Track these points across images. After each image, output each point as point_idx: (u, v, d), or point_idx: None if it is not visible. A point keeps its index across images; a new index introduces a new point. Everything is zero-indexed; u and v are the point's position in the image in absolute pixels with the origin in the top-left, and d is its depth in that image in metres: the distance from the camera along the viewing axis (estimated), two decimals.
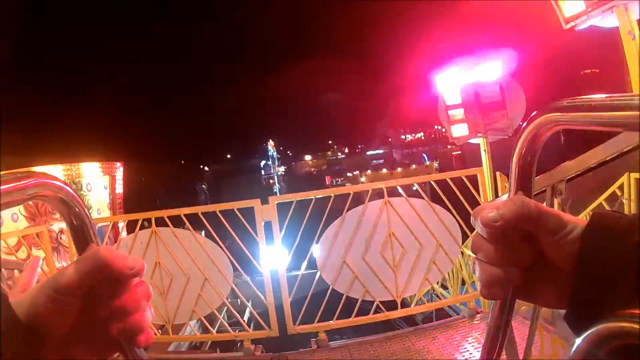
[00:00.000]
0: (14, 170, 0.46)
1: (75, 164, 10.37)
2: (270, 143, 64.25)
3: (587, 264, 0.47)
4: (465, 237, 4.57)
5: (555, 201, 2.38)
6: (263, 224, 4.21)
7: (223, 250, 4.23)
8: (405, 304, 4.33)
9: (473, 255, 0.55)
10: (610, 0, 4.04)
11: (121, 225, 6.18)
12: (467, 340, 3.79)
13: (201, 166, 75.73)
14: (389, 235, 4.16)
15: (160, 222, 4.27)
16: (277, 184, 57.50)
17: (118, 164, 11.55)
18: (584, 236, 0.48)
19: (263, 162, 70.60)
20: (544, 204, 0.52)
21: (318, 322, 4.19)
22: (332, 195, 4.33)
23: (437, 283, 5.92)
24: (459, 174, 4.45)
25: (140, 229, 4.31)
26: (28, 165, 9.78)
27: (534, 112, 0.54)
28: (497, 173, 4.52)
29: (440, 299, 5.29)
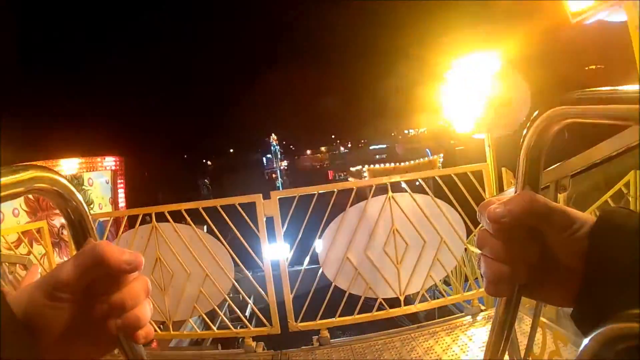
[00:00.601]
0: (11, 165, 0.45)
1: (77, 159, 10.37)
2: (273, 137, 64.21)
3: (595, 262, 0.46)
4: (469, 232, 4.53)
5: (560, 197, 2.36)
6: (265, 219, 4.16)
7: (224, 245, 4.20)
8: (407, 301, 4.29)
9: (477, 251, 0.53)
10: None
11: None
12: (470, 339, 3.76)
13: (204, 160, 75.88)
14: (392, 231, 4.12)
15: (161, 217, 4.24)
16: (279, 179, 57.50)
17: (120, 159, 11.54)
18: (593, 234, 0.48)
19: (266, 157, 70.62)
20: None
21: (320, 319, 4.16)
22: (335, 190, 4.29)
23: (440, 280, 5.90)
24: (464, 169, 4.41)
25: (141, 224, 4.28)
26: (30, 160, 9.78)
27: (542, 106, 0.53)
28: (503, 169, 4.47)
29: (443, 295, 5.26)
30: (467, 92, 5.03)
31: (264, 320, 4.18)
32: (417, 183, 4.40)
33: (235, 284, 4.25)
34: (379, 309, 4.18)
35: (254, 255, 4.23)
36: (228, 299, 4.30)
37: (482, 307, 4.33)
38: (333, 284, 4.17)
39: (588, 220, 0.49)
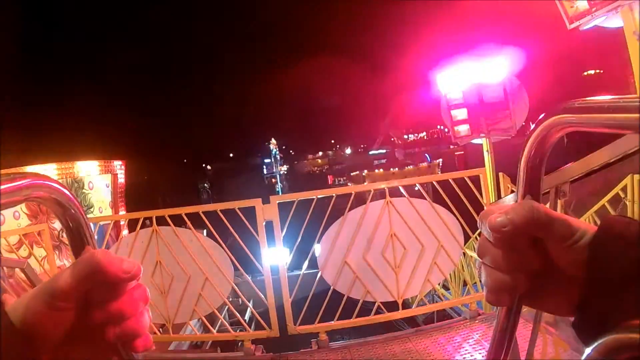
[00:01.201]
0: (9, 171, 0.46)
1: (77, 162, 10.40)
2: (273, 142, 64.37)
3: (596, 272, 0.46)
4: (467, 237, 4.56)
5: (559, 202, 2.36)
6: (264, 223, 4.19)
7: (224, 249, 4.23)
8: (406, 304, 4.32)
9: (476, 257, 0.54)
10: (615, 1, 4.02)
11: (122, 223, 6.19)
12: (468, 342, 3.78)
13: (203, 165, 75.92)
14: (390, 236, 4.15)
15: (162, 221, 4.27)
16: (279, 183, 57.54)
17: (120, 162, 11.57)
18: (593, 243, 0.47)
19: (265, 161, 70.67)
20: (548, 205, 0.51)
21: (319, 322, 4.18)
22: (333, 195, 4.31)
23: (439, 284, 5.92)
24: (461, 174, 4.44)
25: (141, 228, 4.30)
26: (31, 164, 9.83)
27: (542, 114, 0.53)
28: (500, 174, 4.50)
29: (441, 299, 5.28)
30: (465, 97, 5.07)
31: (263, 324, 4.21)
32: (417, 188, 4.43)
33: (235, 287, 4.27)
34: (378, 312, 4.20)
35: (253, 259, 4.25)
36: (227, 302, 4.32)
37: (480, 311, 4.35)
38: (332, 287, 4.19)
39: (589, 229, 0.49)
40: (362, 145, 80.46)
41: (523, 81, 5.23)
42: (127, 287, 0.49)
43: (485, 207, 4.34)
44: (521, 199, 0.54)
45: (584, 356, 0.40)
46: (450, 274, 5.97)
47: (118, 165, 11.38)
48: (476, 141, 5.25)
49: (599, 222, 0.49)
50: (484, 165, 4.58)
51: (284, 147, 75.87)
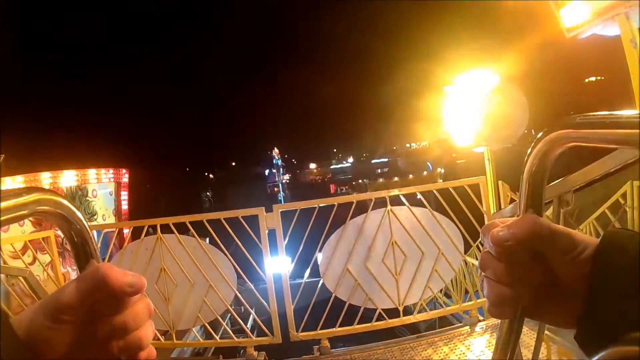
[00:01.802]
0: (15, 187, 0.45)
1: (81, 170, 10.46)
2: (275, 151, 64.31)
3: (598, 285, 0.46)
4: (467, 245, 4.58)
5: (562, 212, 2.35)
6: (267, 232, 4.24)
7: (227, 257, 4.27)
8: (407, 312, 4.34)
9: (477, 263, 0.56)
10: (612, 9, 4.07)
11: (126, 231, 6.22)
12: (468, 348, 3.80)
13: (206, 173, 75.98)
14: (391, 243, 4.19)
15: (165, 229, 4.32)
16: (281, 192, 57.47)
17: (123, 171, 11.64)
18: (596, 256, 0.48)
19: (268, 170, 70.62)
20: (550, 215, 0.54)
21: (320, 329, 4.21)
22: (335, 203, 4.36)
23: (441, 292, 5.92)
24: (461, 182, 4.47)
25: (145, 236, 4.35)
26: (34, 171, 9.89)
27: (544, 129, 0.53)
28: (500, 182, 4.53)
29: (443, 307, 5.29)
30: (467, 106, 5.11)
31: (266, 330, 4.23)
32: (418, 197, 4.46)
33: (238, 294, 4.31)
34: (379, 319, 4.23)
35: (256, 267, 4.29)
36: (230, 309, 4.36)
37: (481, 318, 4.37)
38: (333, 294, 4.22)
39: (591, 242, 0.49)
40: (364, 154, 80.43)
41: (523, 89, 5.28)
42: (131, 300, 0.50)
43: (485, 215, 4.38)
44: (523, 213, 0.55)
45: None
46: (451, 282, 5.98)
47: (122, 174, 11.45)
48: (477, 150, 5.28)
49: (599, 229, 0.51)
50: (485, 174, 4.61)
51: (286, 156, 75.87)
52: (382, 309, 4.21)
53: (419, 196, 4.44)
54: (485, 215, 4.39)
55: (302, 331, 4.20)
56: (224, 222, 4.26)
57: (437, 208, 4.41)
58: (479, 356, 3.65)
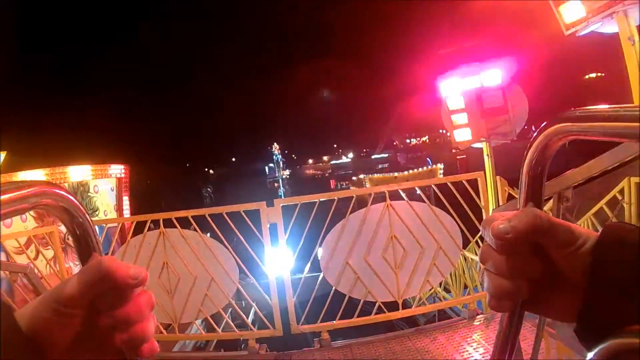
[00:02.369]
0: (17, 180, 0.47)
1: (82, 166, 10.52)
2: (275, 146, 64.11)
3: (599, 278, 0.46)
4: (465, 239, 4.63)
5: (562, 208, 2.35)
6: (268, 225, 4.29)
7: (229, 251, 4.33)
8: (406, 305, 4.40)
9: (476, 258, 0.59)
10: (610, 7, 4.10)
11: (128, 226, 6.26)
12: (467, 342, 3.85)
13: (206, 169, 76.01)
14: (390, 238, 4.24)
15: (167, 224, 4.37)
16: (281, 188, 57.37)
17: (124, 167, 11.69)
18: (596, 249, 0.48)
19: (268, 166, 70.54)
20: (550, 211, 0.55)
21: (321, 322, 4.27)
22: (335, 198, 4.41)
23: (440, 286, 5.98)
24: (460, 178, 4.51)
25: (147, 231, 4.40)
26: (35, 167, 9.94)
27: (544, 123, 0.53)
28: (497, 177, 4.57)
29: (442, 301, 5.35)
30: (466, 102, 5.16)
31: (267, 323, 4.30)
32: (418, 192, 4.51)
33: (240, 288, 4.37)
34: (378, 312, 4.29)
35: (258, 260, 4.35)
36: (232, 302, 4.42)
37: (479, 311, 4.42)
38: (334, 288, 4.28)
39: (591, 235, 0.49)
40: (364, 150, 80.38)
41: (523, 86, 5.32)
42: (133, 293, 0.50)
43: (483, 210, 4.44)
44: (523, 206, 0.55)
45: None
46: (451, 277, 6.05)
47: (122, 169, 11.51)
48: (476, 145, 5.33)
49: (597, 225, 0.54)
50: (485, 169, 4.65)
51: (286, 152, 75.80)
52: (382, 302, 4.28)
53: (418, 191, 4.50)
54: (483, 210, 4.44)
55: (302, 324, 4.27)
56: (225, 216, 4.31)
57: (436, 203, 4.47)
58: (477, 349, 3.71)
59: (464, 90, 5.19)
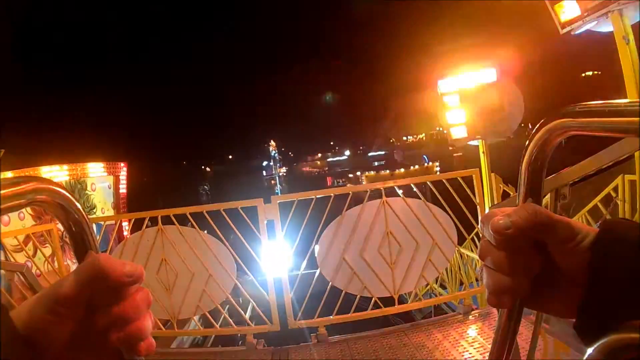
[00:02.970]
0: (12, 176, 0.48)
1: (80, 164, 10.51)
2: (272, 144, 64.04)
3: (598, 274, 0.46)
4: (461, 237, 4.67)
5: (559, 205, 2.35)
6: (265, 222, 4.33)
7: (227, 247, 4.37)
8: (402, 301, 4.44)
9: (473, 255, 0.58)
10: (605, 6, 4.13)
11: (125, 224, 6.28)
12: (462, 336, 3.89)
13: (203, 167, 75.86)
14: (386, 234, 4.28)
15: (165, 221, 4.40)
16: (278, 185, 57.32)
17: (122, 164, 11.69)
18: (595, 246, 0.48)
19: (265, 163, 70.47)
20: (547, 208, 0.55)
21: (318, 317, 4.32)
22: (332, 195, 4.45)
23: (436, 282, 6.02)
24: (455, 175, 4.55)
25: (145, 228, 4.42)
26: (33, 166, 9.93)
27: (543, 118, 0.53)
28: (492, 174, 4.61)
29: (437, 297, 5.39)
30: (462, 99, 5.18)
31: (265, 319, 4.34)
32: (414, 189, 4.55)
33: (238, 284, 4.40)
34: (374, 307, 4.34)
35: (255, 256, 4.39)
36: (230, 298, 4.46)
37: (474, 307, 4.47)
38: (330, 284, 4.33)
39: (590, 232, 0.49)
40: (361, 147, 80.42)
41: (519, 84, 5.34)
42: (130, 291, 0.49)
43: (478, 207, 4.48)
44: (522, 202, 0.54)
45: (586, 356, 0.41)
46: (446, 273, 6.09)
47: (120, 167, 11.51)
48: (472, 143, 5.35)
49: (592, 222, 0.54)
50: (481, 167, 4.68)
51: (283, 149, 75.77)
52: (378, 298, 4.32)
53: (414, 188, 4.54)
54: (478, 206, 4.48)
55: (300, 319, 4.31)
56: (223, 213, 4.34)
57: (432, 200, 4.51)
58: (472, 343, 3.75)
59: (461, 88, 5.20)
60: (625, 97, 4.34)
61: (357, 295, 4.32)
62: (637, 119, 0.41)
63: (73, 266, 0.52)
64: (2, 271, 4.41)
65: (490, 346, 0.57)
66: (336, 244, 4.32)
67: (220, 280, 4.31)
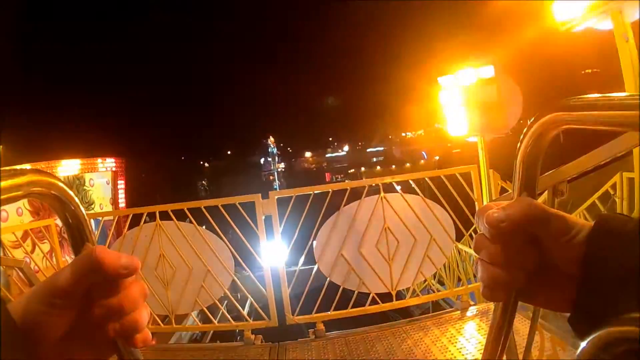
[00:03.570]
0: (9, 167, 0.45)
1: (77, 160, 10.50)
2: (271, 139, 64.04)
3: (592, 268, 0.46)
4: (459, 233, 4.68)
5: (556, 202, 2.41)
6: (263, 218, 4.33)
7: (225, 243, 4.37)
8: (400, 297, 4.45)
9: (470, 251, 0.57)
10: (605, 4, 4.12)
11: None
12: (459, 332, 3.89)
13: (201, 162, 75.77)
14: (384, 229, 4.29)
15: (164, 216, 4.40)
16: (276, 181, 57.37)
17: (119, 160, 11.67)
18: (590, 239, 0.48)
19: (263, 159, 70.42)
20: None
21: (315, 313, 4.32)
22: (330, 190, 4.45)
23: (434, 278, 6.04)
24: (453, 171, 4.55)
25: (143, 223, 4.42)
26: (31, 161, 9.92)
27: (538, 112, 0.53)
28: (490, 170, 4.61)
29: (435, 293, 5.40)
30: (460, 96, 5.17)
31: (263, 314, 4.35)
32: (413, 186, 4.55)
33: (236, 279, 4.41)
34: (372, 303, 4.35)
35: (253, 251, 4.39)
36: (228, 293, 4.46)
37: (472, 303, 4.48)
38: (328, 280, 4.34)
39: (585, 226, 0.49)
40: (360, 143, 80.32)
41: (517, 80, 5.34)
42: (126, 283, 0.49)
43: (476, 203, 4.48)
44: (517, 196, 0.55)
45: (580, 349, 0.41)
46: (444, 270, 6.11)
47: (118, 163, 11.49)
48: (471, 139, 5.36)
49: (589, 220, 0.52)
50: (479, 163, 4.69)
51: (281, 145, 75.62)
52: (376, 294, 4.33)
53: (413, 184, 4.54)
54: (476, 203, 4.49)
55: (297, 315, 4.32)
56: (221, 208, 4.35)
57: (431, 196, 4.51)
58: (469, 339, 3.76)
59: (459, 84, 5.20)
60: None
61: (355, 291, 4.34)
62: (633, 112, 0.40)
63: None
64: (1, 267, 4.41)
65: None
66: (334, 240, 4.32)
67: (218, 275, 4.32)
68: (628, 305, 0.40)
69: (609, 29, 4.30)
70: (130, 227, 4.52)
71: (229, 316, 4.57)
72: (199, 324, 4.94)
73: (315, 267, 4.35)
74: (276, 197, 4.38)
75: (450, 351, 3.58)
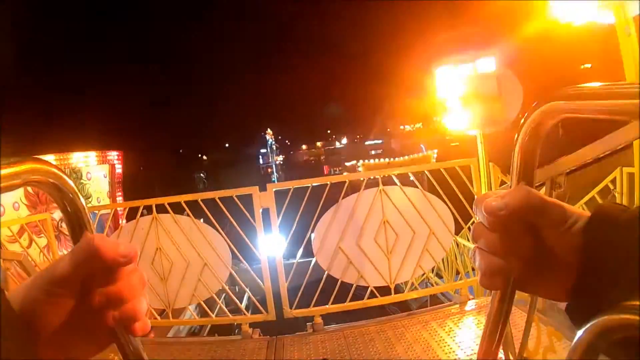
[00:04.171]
0: (8, 157, 0.45)
1: (75, 153, 10.43)
2: (269, 132, 63.82)
3: (590, 257, 0.47)
4: (458, 226, 4.66)
5: (554, 194, 2.35)
6: (261, 210, 4.30)
7: (222, 236, 4.34)
8: (398, 291, 4.44)
9: (469, 244, 0.57)
10: None
11: (120, 213, 6.24)
12: (458, 326, 3.89)
13: (199, 155, 75.78)
14: (382, 222, 4.27)
15: (160, 209, 4.37)
16: (275, 173, 57.27)
17: (117, 153, 11.60)
18: (587, 229, 0.48)
19: (261, 151, 70.38)
20: None
21: (313, 307, 4.30)
22: (328, 183, 4.42)
23: (432, 271, 6.03)
24: (453, 164, 4.53)
25: (140, 216, 4.39)
26: (29, 154, 9.84)
27: (537, 101, 0.52)
28: (490, 163, 4.59)
29: (434, 286, 5.40)
30: (460, 89, 5.14)
31: (260, 308, 4.33)
32: (411, 179, 4.53)
33: (234, 273, 4.39)
34: (371, 297, 4.33)
35: (250, 245, 4.37)
36: (225, 287, 4.44)
37: (471, 297, 4.47)
38: (326, 273, 4.32)
39: (583, 215, 0.49)
40: (358, 135, 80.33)
41: (517, 73, 5.31)
42: (124, 271, 0.50)
43: (475, 197, 4.47)
44: (515, 185, 0.55)
45: (576, 338, 0.41)
46: (443, 263, 6.10)
47: (115, 156, 11.43)
48: (470, 132, 5.33)
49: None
50: (478, 156, 4.67)
51: (279, 137, 75.61)
52: (374, 287, 4.32)
53: (412, 177, 4.52)
54: (476, 196, 4.46)
55: (295, 309, 4.31)
56: (218, 201, 4.32)
57: (429, 189, 4.49)
58: (467, 332, 3.76)
59: (458, 77, 5.17)
60: None
61: (353, 285, 4.32)
62: (634, 101, 0.40)
63: None
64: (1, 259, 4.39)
65: None
66: (332, 233, 4.30)
67: (215, 269, 4.29)
68: (625, 293, 0.40)
69: (611, 22, 4.27)
70: (127, 220, 4.49)
71: (226, 310, 4.56)
72: (197, 317, 4.93)
73: (313, 260, 4.33)
74: (274, 189, 4.35)
75: (448, 345, 3.57)
